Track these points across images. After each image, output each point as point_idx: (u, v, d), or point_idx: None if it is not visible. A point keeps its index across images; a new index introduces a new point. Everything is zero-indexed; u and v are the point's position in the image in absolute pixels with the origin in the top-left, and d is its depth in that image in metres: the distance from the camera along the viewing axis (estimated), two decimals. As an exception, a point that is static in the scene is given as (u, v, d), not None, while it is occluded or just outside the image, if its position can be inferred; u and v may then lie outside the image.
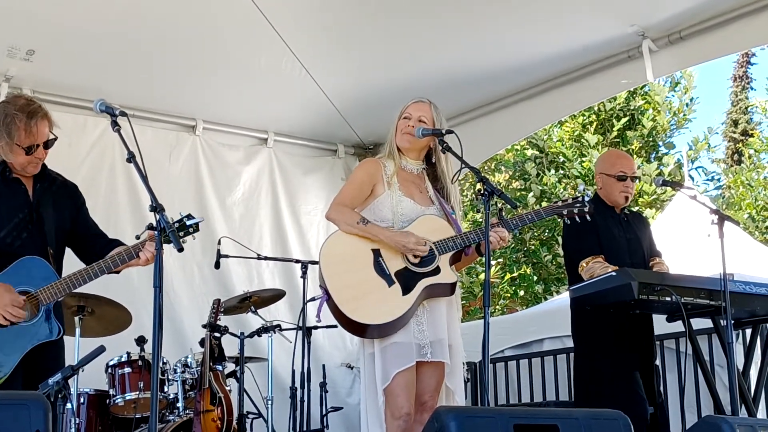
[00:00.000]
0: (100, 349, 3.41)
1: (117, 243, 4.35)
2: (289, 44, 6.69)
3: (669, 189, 13.19)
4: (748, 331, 5.77)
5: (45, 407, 2.35)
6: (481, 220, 14.92)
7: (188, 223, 3.97)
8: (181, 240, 3.87)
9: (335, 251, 4.36)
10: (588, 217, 4.55)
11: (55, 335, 4.12)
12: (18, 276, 4.07)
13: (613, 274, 4.87)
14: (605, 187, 5.52)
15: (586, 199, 4.55)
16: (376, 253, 4.32)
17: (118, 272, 4.25)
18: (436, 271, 4.34)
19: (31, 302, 4.06)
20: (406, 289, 4.26)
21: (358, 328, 4.27)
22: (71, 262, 4.41)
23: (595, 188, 5.66)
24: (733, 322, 4.87)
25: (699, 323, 5.41)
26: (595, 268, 5.16)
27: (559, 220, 4.69)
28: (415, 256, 4.29)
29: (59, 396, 2.95)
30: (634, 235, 5.49)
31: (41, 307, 4.07)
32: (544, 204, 14.19)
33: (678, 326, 5.37)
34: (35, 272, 4.10)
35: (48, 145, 4.20)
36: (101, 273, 4.10)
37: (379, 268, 4.30)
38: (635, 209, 6.12)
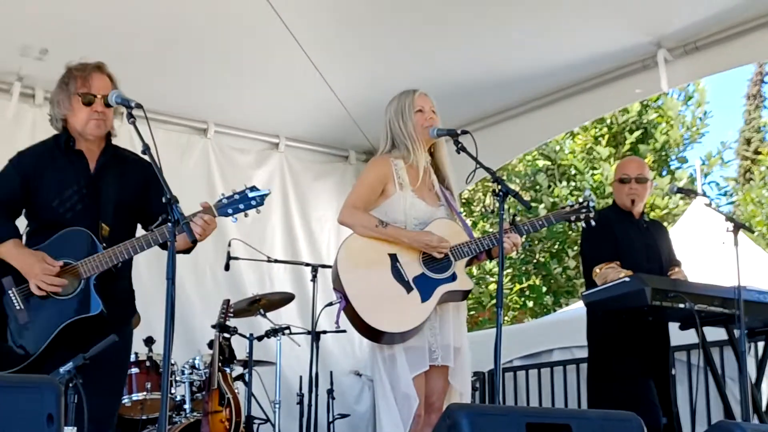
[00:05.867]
0: (112, 339, 3.38)
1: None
2: (303, 48, 6.68)
3: (681, 203, 13.15)
4: (761, 345, 5.74)
5: (57, 392, 2.33)
6: (490, 230, 14.87)
7: (250, 195, 3.85)
8: (240, 213, 3.82)
9: (352, 256, 4.33)
10: (593, 222, 4.61)
11: (95, 310, 3.82)
12: (60, 248, 3.88)
13: (627, 279, 4.85)
14: (615, 193, 5.57)
15: (591, 204, 4.62)
16: (394, 258, 4.30)
17: (187, 252, 4.05)
18: (453, 277, 4.33)
19: (72, 274, 3.83)
20: (425, 296, 4.25)
21: (375, 334, 4.25)
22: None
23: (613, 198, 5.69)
24: (746, 331, 4.84)
25: (710, 336, 5.38)
26: (608, 273, 5.14)
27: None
28: (439, 253, 4.27)
29: (70, 385, 2.92)
30: (653, 242, 5.47)
31: (81, 279, 3.83)
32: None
33: (689, 338, 5.35)
34: (78, 244, 3.88)
35: (109, 102, 3.98)
36: (147, 246, 3.82)
37: (397, 274, 4.28)
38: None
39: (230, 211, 3.87)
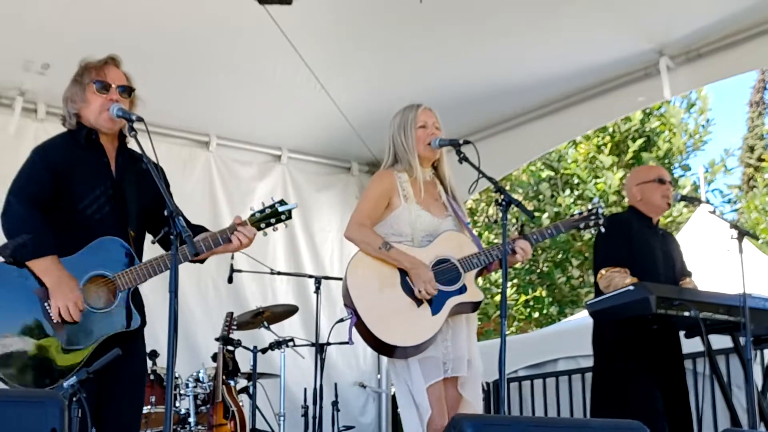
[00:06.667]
0: (115, 353, 3.36)
1: (202, 229, 3.97)
2: (305, 59, 6.68)
3: (685, 211, 13.13)
4: (767, 352, 5.71)
5: (61, 406, 2.32)
6: (495, 240, 14.85)
7: (280, 209, 3.87)
8: (270, 228, 3.84)
9: (362, 271, 4.33)
10: (602, 229, 4.61)
11: (133, 325, 3.74)
12: (95, 258, 3.72)
13: (631, 288, 4.83)
14: (645, 195, 5.43)
15: (600, 211, 4.62)
16: (403, 273, 4.30)
17: (202, 261, 3.97)
18: (463, 289, 4.33)
19: (108, 288, 3.71)
20: (435, 309, 4.25)
21: (388, 349, 4.26)
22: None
23: (628, 203, 5.64)
24: (752, 339, 4.81)
25: (716, 344, 5.36)
26: (614, 277, 5.11)
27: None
28: (421, 290, 4.24)
29: (74, 399, 2.91)
30: (669, 251, 5.45)
31: (118, 293, 3.71)
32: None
33: (693, 346, 5.33)
34: (114, 255, 3.74)
35: (125, 93, 3.94)
36: (184, 259, 3.60)
37: (407, 288, 4.28)
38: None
39: (263, 225, 3.90)
